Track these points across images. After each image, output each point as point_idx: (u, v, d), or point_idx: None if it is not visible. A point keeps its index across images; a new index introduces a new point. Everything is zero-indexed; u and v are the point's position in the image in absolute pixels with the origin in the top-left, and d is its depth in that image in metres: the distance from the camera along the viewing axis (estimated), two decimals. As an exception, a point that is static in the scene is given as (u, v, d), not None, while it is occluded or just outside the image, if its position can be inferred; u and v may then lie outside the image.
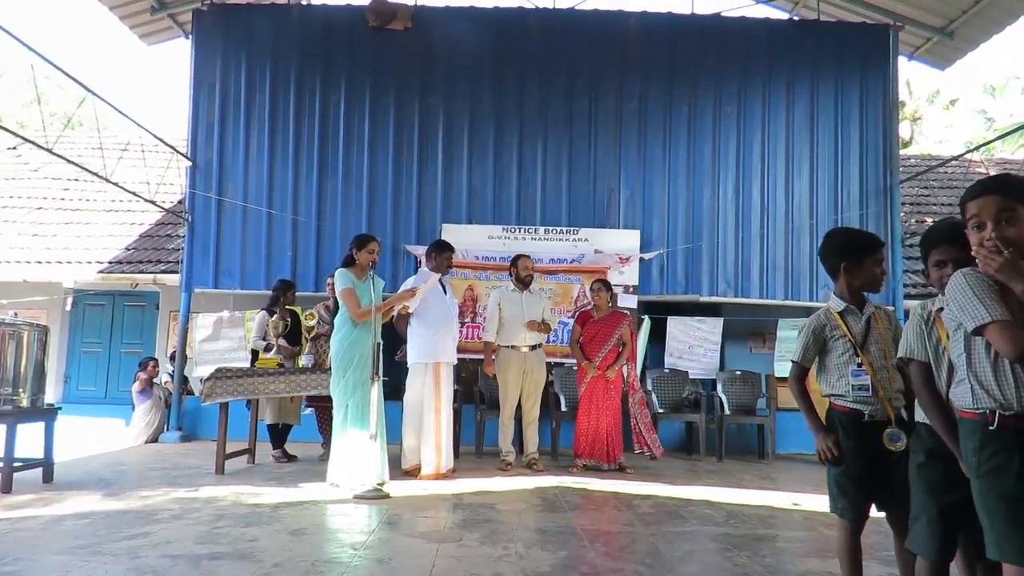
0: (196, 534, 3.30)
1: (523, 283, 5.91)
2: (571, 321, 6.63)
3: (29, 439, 4.72)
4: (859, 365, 2.28)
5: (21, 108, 23.04)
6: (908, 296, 7.79)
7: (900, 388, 2.30)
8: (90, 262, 8.54)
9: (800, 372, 2.43)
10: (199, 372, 7.59)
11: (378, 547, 3.15)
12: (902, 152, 10.64)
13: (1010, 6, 7.46)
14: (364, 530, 3.49)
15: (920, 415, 2.02)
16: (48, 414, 4.74)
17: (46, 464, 4.68)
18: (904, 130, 21.92)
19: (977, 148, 10.35)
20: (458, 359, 5.81)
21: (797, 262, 7.71)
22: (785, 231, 7.73)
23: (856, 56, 8.02)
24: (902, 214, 8.62)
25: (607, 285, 6.03)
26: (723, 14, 8.36)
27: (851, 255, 2.39)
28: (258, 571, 2.70)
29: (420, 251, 7.40)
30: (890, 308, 2.44)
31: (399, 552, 3.09)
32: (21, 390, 4.52)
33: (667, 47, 7.90)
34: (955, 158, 10.33)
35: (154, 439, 7.42)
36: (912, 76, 24.19)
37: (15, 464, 4.40)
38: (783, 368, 7.42)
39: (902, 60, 8.45)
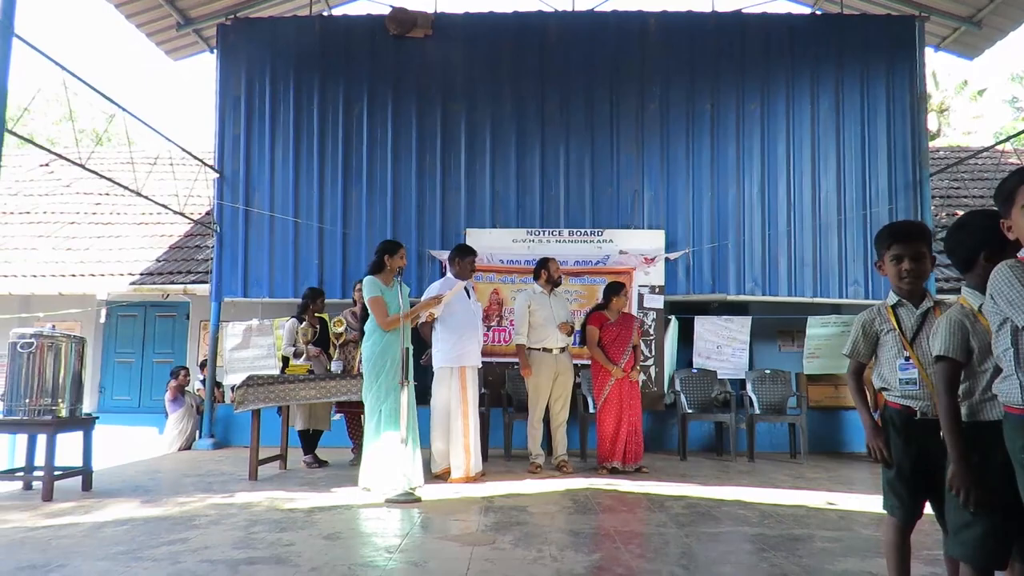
0: (233, 539, 3.34)
1: (554, 284, 5.91)
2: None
3: (67, 448, 4.83)
4: (907, 359, 2.22)
5: (51, 126, 23.59)
6: (940, 291, 7.66)
7: None
8: (122, 274, 8.71)
9: (855, 367, 2.39)
10: (230, 380, 7.70)
11: (412, 551, 3.16)
12: (931, 144, 10.46)
13: (1040, -7, 7.33)
14: (398, 534, 3.51)
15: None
16: (86, 424, 4.84)
17: (85, 472, 4.77)
18: (931, 122, 21.59)
19: (1009, 139, 10.13)
20: (484, 363, 5.84)
21: (825, 259, 7.63)
22: (813, 227, 7.65)
23: (881, 48, 7.92)
24: (932, 208, 8.48)
25: (625, 287, 6.06)
26: (744, 11, 8.31)
27: (877, 250, 2.37)
28: (295, 575, 2.73)
29: (445, 256, 7.42)
30: (951, 301, 2.34)
31: (434, 555, 3.10)
32: (60, 400, 4.61)
33: (688, 46, 7.87)
34: (985, 149, 10.16)
35: (187, 446, 7.54)
36: (938, 67, 23.79)
37: (55, 473, 4.50)
38: (812, 366, 7.34)
39: (928, 51, 8.34)
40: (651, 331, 7.41)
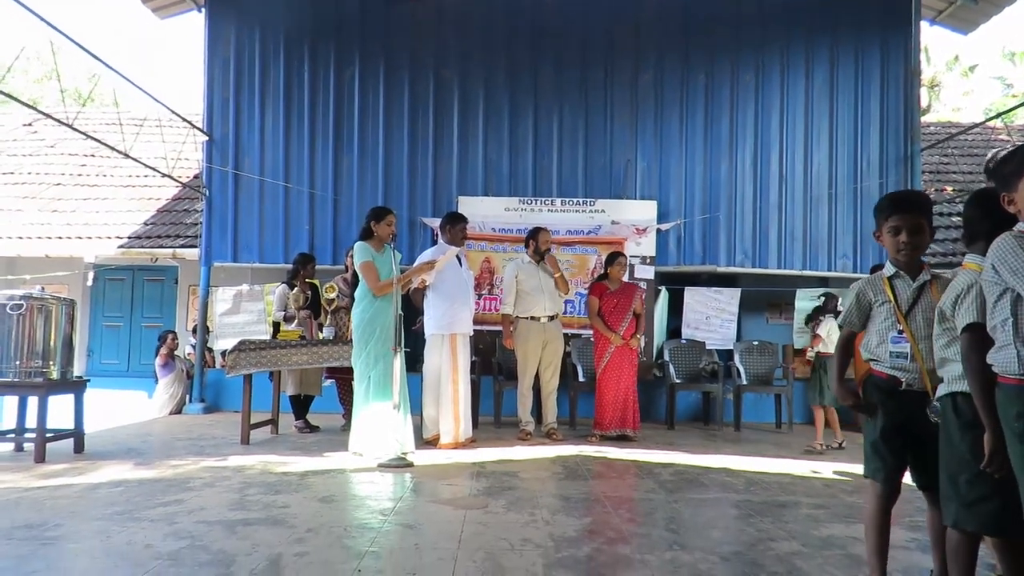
0: (228, 501, 3.37)
1: (541, 256, 5.92)
2: (586, 292, 6.63)
3: (56, 411, 4.82)
4: (900, 332, 2.21)
5: (32, 84, 23.08)
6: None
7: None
8: (110, 237, 8.63)
9: (846, 336, 2.40)
10: (220, 345, 7.70)
11: (406, 513, 3.21)
12: (921, 120, 10.48)
13: (1038, -33, 7.29)
14: (391, 497, 3.56)
15: (965, 385, 1.89)
16: (78, 386, 4.83)
17: (77, 434, 4.78)
18: (922, 97, 21.53)
19: (999, 115, 10.16)
20: (476, 331, 5.86)
21: (816, 232, 7.67)
22: (804, 200, 7.68)
23: (876, 21, 7.88)
24: (922, 183, 8.52)
25: (625, 257, 6.07)
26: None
27: (876, 219, 2.32)
28: (292, 536, 2.77)
29: (436, 223, 7.41)
30: (947, 276, 2.30)
31: (427, 518, 3.15)
32: (51, 363, 4.60)
33: (683, 15, 7.79)
34: (976, 125, 10.18)
35: (177, 411, 7.56)
36: (930, 42, 23.67)
37: (47, 435, 4.50)
38: (802, 340, 7.42)
39: (923, 25, 8.29)
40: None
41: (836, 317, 5.61)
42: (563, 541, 2.78)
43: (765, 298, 8.68)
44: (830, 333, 5.59)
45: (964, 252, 2.12)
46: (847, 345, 2.41)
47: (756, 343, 7.43)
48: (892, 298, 2.24)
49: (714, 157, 7.70)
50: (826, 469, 4.65)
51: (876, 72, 7.85)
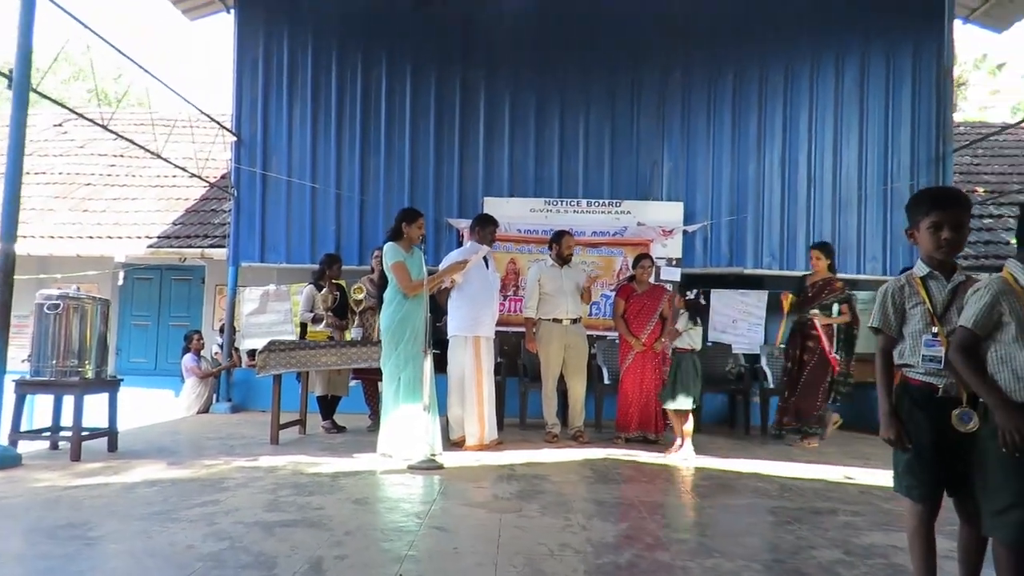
0: (264, 502, 3.39)
1: (564, 260, 5.90)
2: (612, 294, 6.61)
3: (89, 409, 4.89)
4: (934, 335, 2.10)
5: (60, 85, 23.41)
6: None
7: None
8: (139, 237, 8.73)
9: (886, 343, 2.23)
10: (247, 345, 7.76)
11: (441, 516, 3.21)
12: (952, 120, 10.32)
13: (1076, -37, 7.15)
14: (424, 500, 3.56)
15: None
16: (112, 385, 4.89)
17: (111, 433, 4.84)
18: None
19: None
20: (501, 332, 5.86)
21: (845, 234, 7.59)
22: (832, 202, 7.60)
23: (908, 20, 7.78)
24: (953, 184, 8.39)
25: (651, 259, 6.03)
26: (769, -21, 8.14)
27: (911, 216, 2.22)
28: (330, 539, 2.78)
29: (463, 224, 7.44)
30: (980, 278, 2.23)
31: (462, 522, 3.15)
32: (86, 361, 4.66)
33: (711, 15, 7.74)
34: (1010, 127, 10.01)
35: (205, 410, 7.63)
36: (958, 40, 23.28)
37: (83, 433, 4.56)
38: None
39: (956, 23, 8.17)
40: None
41: (694, 313, 5.25)
42: (602, 547, 2.76)
43: (792, 300, 8.57)
44: (688, 329, 5.17)
45: (996, 256, 2.08)
46: (888, 355, 2.24)
47: (783, 346, 7.33)
48: (926, 299, 2.14)
49: (742, 158, 7.63)
50: (859, 475, 4.58)
51: (908, 71, 7.75)
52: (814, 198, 7.60)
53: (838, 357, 5.97)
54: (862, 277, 7.63)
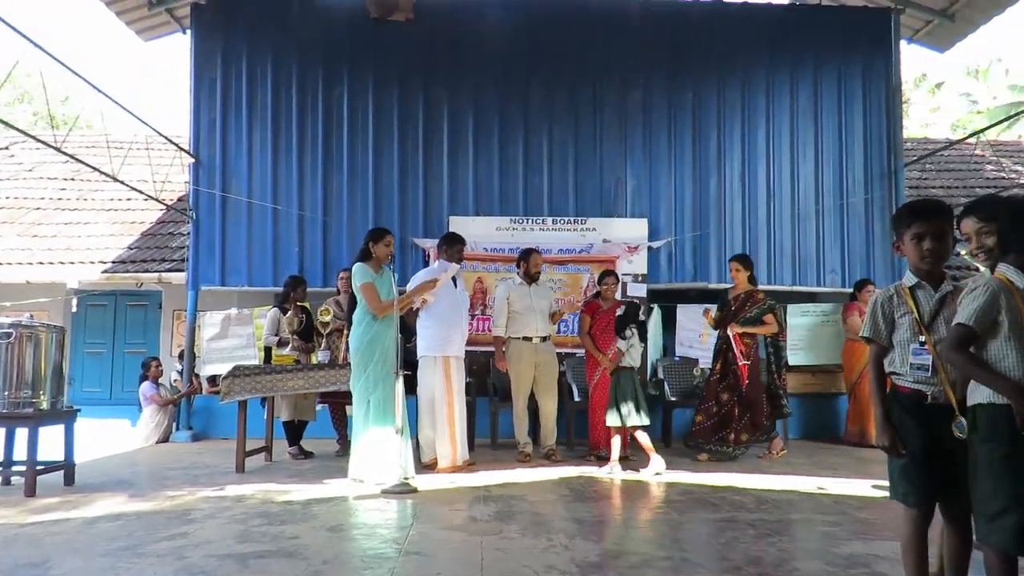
0: (235, 533, 3.27)
1: (532, 278, 5.90)
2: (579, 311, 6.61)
3: (43, 441, 4.67)
4: (921, 344, 2.15)
5: (4, 108, 22.73)
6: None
7: None
8: (93, 262, 8.45)
9: (879, 352, 2.28)
10: (207, 370, 7.55)
11: (420, 541, 3.13)
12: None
13: (1012, -13, 7.49)
14: (402, 525, 3.48)
15: (980, 397, 1.96)
16: (68, 416, 4.69)
17: (68, 466, 4.63)
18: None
19: (975, 134, 10.41)
20: (471, 351, 5.81)
21: (804, 247, 7.74)
22: (792, 216, 7.75)
23: (858, 40, 8.03)
24: (906, 198, 8.65)
25: (616, 276, 6.06)
26: (725, 1, 8.35)
27: (895, 230, 2.29)
28: (308, 569, 2.69)
29: (428, 244, 7.38)
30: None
31: (443, 546, 3.08)
32: (41, 392, 4.46)
33: (670, 35, 7.88)
34: (956, 142, 10.42)
35: (164, 439, 7.37)
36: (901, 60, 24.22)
37: (38, 467, 4.35)
38: (796, 358, 7.47)
39: (902, 44, 8.47)
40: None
41: (639, 327, 5.20)
42: (588, 566, 2.72)
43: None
44: (631, 348, 5.13)
45: (948, 267, 2.14)
46: (880, 364, 2.29)
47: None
48: (914, 309, 2.19)
49: (703, 175, 7.75)
50: (830, 485, 4.63)
51: (858, 90, 7.99)
52: (774, 213, 7.75)
53: (772, 369, 5.92)
54: (822, 289, 7.78)
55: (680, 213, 7.70)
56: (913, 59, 24.72)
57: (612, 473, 5.00)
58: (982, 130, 10.53)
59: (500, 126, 7.71)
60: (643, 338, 5.23)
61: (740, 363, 5.72)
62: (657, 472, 4.93)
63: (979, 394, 1.98)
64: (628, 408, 5.04)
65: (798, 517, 3.67)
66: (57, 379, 4.61)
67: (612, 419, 5.13)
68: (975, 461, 1.98)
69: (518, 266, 6.02)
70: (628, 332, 5.17)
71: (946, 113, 24.77)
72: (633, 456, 5.73)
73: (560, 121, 7.75)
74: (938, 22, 8.33)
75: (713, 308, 6.19)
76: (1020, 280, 1.95)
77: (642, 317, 5.29)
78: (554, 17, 7.89)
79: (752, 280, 5.97)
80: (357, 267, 4.84)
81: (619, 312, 5.44)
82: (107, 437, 7.71)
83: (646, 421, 5.09)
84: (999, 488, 1.88)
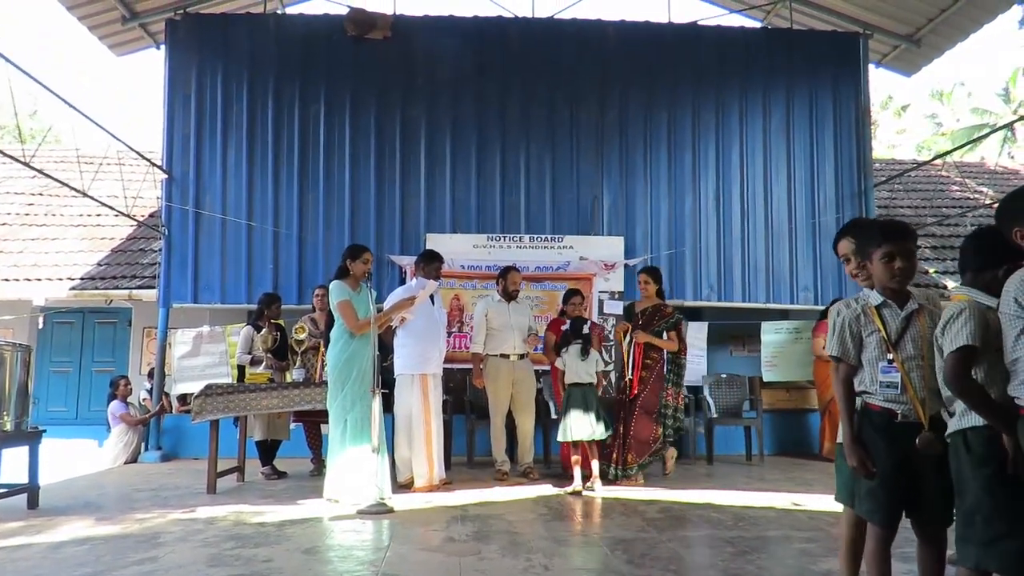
0: (207, 556, 3.19)
1: (511, 296, 5.90)
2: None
3: (6, 463, 4.55)
4: (890, 362, 2.17)
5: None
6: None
7: (936, 389, 2.14)
8: (61, 279, 8.27)
9: (847, 372, 2.29)
10: (179, 389, 7.41)
11: (398, 563, 3.08)
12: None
13: (975, 14, 7.72)
14: (377, 546, 3.43)
15: (974, 420, 1.93)
16: (33, 437, 4.56)
17: (32, 489, 4.49)
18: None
19: (942, 155, 10.66)
20: (447, 369, 5.78)
21: (777, 265, 7.84)
22: (766, 235, 7.85)
23: (828, 63, 8.21)
24: (876, 217, 8.82)
25: (581, 295, 6.06)
26: (699, 23, 8.50)
27: (860, 248, 2.34)
28: (283, 593, 2.63)
29: (404, 261, 7.35)
30: (938, 302, 2.33)
31: (421, 568, 3.03)
32: (4, 413, 4.34)
33: (646, 56, 7.98)
34: (924, 163, 10.65)
35: (133, 459, 7.21)
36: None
37: (0, 490, 4.22)
38: (771, 374, 7.53)
39: (870, 67, 8.67)
40: (611, 337, 7.46)
41: (583, 343, 5.13)
42: (568, 587, 2.70)
43: (727, 331, 8.79)
44: (584, 363, 5.12)
45: (916, 284, 2.18)
46: (849, 383, 2.29)
47: (724, 376, 7.49)
48: (881, 327, 2.21)
49: (678, 193, 7.84)
50: (805, 501, 4.65)
51: (829, 111, 8.15)
52: (748, 231, 7.84)
53: (668, 386, 5.70)
54: (795, 307, 7.87)
55: (656, 231, 7.76)
56: (880, 82, 25.38)
57: (572, 490, 4.95)
58: (948, 152, 10.79)
59: (477, 144, 7.74)
60: (585, 352, 5.17)
61: (633, 373, 5.60)
62: (591, 488, 4.94)
63: (972, 417, 1.95)
64: (579, 422, 4.99)
65: (775, 534, 3.68)
66: (22, 399, 4.48)
67: (560, 434, 5.13)
68: (965, 486, 1.94)
69: (497, 283, 6.01)
70: (564, 350, 5.19)
71: (912, 135, 25.42)
72: (611, 475, 5.68)
73: (537, 139, 7.80)
74: (905, 47, 8.57)
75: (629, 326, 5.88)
76: (986, 299, 1.96)
77: (586, 331, 5.25)
78: (530, 37, 7.98)
79: (660, 294, 5.91)
80: (334, 285, 4.79)
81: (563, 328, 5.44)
82: (73, 458, 7.50)
83: (598, 436, 5.03)
84: (998, 512, 1.84)
